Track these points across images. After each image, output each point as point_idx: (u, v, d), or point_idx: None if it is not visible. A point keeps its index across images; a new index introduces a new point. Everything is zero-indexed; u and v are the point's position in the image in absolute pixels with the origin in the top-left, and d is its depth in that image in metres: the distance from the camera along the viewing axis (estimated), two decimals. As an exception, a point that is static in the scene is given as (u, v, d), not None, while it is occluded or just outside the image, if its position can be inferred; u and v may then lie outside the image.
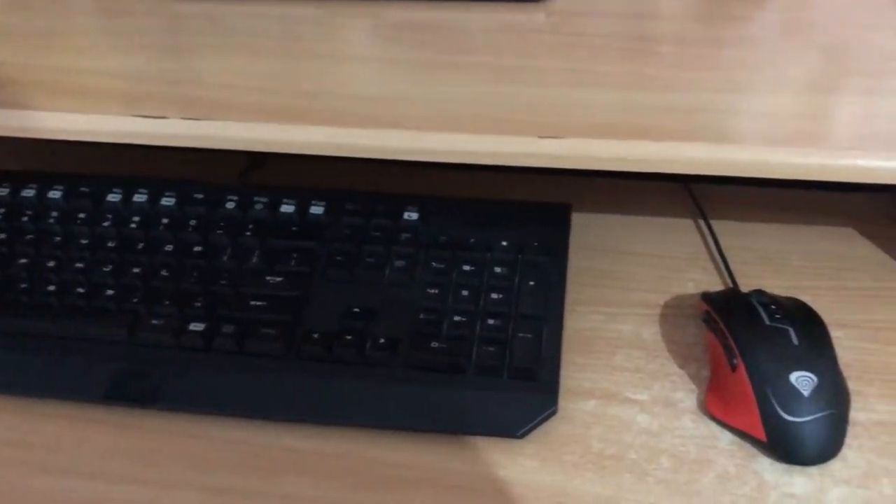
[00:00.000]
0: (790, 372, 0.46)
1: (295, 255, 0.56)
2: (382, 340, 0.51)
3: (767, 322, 0.49)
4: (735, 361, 0.48)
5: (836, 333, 0.52)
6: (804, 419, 0.45)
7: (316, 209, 0.59)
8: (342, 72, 0.56)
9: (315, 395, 0.49)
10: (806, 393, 0.46)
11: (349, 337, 0.51)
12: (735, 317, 0.50)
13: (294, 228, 0.58)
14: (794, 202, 0.65)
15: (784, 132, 0.49)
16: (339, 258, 0.55)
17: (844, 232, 0.62)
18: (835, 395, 0.47)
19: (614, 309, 0.56)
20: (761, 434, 0.46)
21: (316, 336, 0.51)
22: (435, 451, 0.48)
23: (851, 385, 0.50)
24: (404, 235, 0.57)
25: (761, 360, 0.47)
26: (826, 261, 0.59)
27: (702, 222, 0.63)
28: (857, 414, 0.48)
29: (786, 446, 0.46)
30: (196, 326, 0.52)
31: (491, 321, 0.52)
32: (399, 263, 0.55)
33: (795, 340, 0.48)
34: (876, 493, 0.44)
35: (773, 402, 0.46)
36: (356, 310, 0.53)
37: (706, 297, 0.54)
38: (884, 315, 0.55)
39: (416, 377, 0.50)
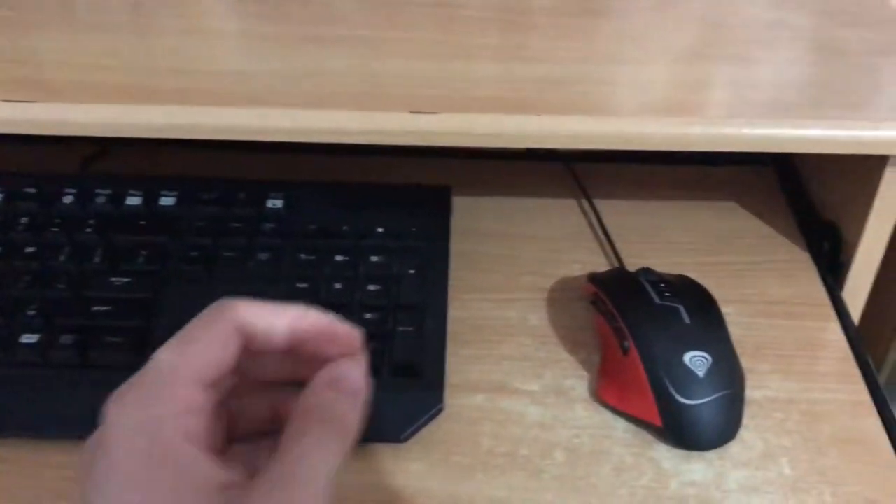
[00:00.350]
0: (684, 352, 0.44)
1: (143, 253, 0.50)
2: (247, 343, 0.45)
3: (657, 301, 0.46)
4: (626, 344, 0.45)
5: (725, 310, 0.51)
6: (701, 402, 0.43)
7: (166, 200, 0.53)
8: (197, 47, 0.51)
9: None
10: (701, 374, 0.43)
11: (209, 341, 0.45)
12: (624, 297, 0.48)
13: (142, 222, 0.51)
14: (676, 178, 0.63)
15: (665, 102, 0.47)
16: (194, 254, 0.50)
17: (726, 206, 0.61)
18: (730, 375, 0.45)
19: (499, 295, 0.53)
20: (656, 419, 0.44)
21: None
22: (310, 462, 0.43)
23: (744, 362, 0.48)
24: (268, 225, 0.51)
25: (653, 341, 0.45)
26: (710, 236, 0.58)
27: (585, 202, 0.60)
28: (752, 392, 0.46)
29: (682, 431, 0.43)
30: (28, 338, 0.45)
31: (368, 315, 0.47)
32: (263, 257, 0.50)
33: (687, 319, 0.45)
34: (775, 473, 0.43)
35: (668, 385, 0.43)
36: (216, 310, 0.47)
37: (593, 278, 0.52)
38: (771, 289, 0.54)
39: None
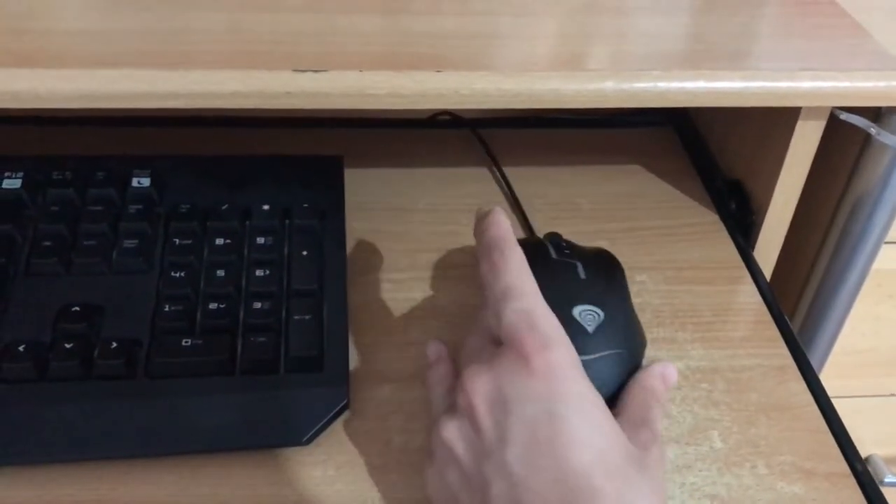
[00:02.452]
0: (573, 306, 0.41)
1: (-17, 245, 0.42)
2: (114, 345, 0.39)
3: (554, 256, 0.43)
4: None
5: (639, 277, 0.49)
6: (588, 357, 0.39)
7: (10, 182, 0.45)
8: (39, 3, 0.43)
9: (28, 428, 0.37)
10: (590, 329, 0.40)
11: (69, 345, 0.39)
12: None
13: (-21, 210, 0.44)
14: (578, 142, 0.60)
15: (572, 57, 0.44)
16: (46, 243, 0.43)
17: (632, 170, 0.58)
18: (624, 334, 0.41)
19: (403, 274, 0.48)
20: None
21: (22, 349, 0.38)
22: (199, 479, 0.37)
23: (663, 332, 0.46)
24: (134, 208, 0.45)
25: (548, 290, 0.41)
26: (617, 201, 0.55)
27: (492, 169, 0.56)
28: (675, 363, 0.44)
29: None
30: None
31: (258, 305, 0.42)
32: (130, 244, 0.43)
33: (582, 275, 0.42)
34: (707, 448, 0.40)
35: None
36: (75, 309, 0.40)
37: None
38: (683, 254, 0.51)
39: (164, 388, 0.39)
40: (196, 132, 0.54)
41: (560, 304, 0.40)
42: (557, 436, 0.31)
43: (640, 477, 0.31)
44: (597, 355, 0.40)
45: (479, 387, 0.33)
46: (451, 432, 0.33)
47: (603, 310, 0.41)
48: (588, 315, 0.41)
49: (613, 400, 0.40)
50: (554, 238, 0.45)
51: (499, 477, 0.31)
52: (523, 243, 0.47)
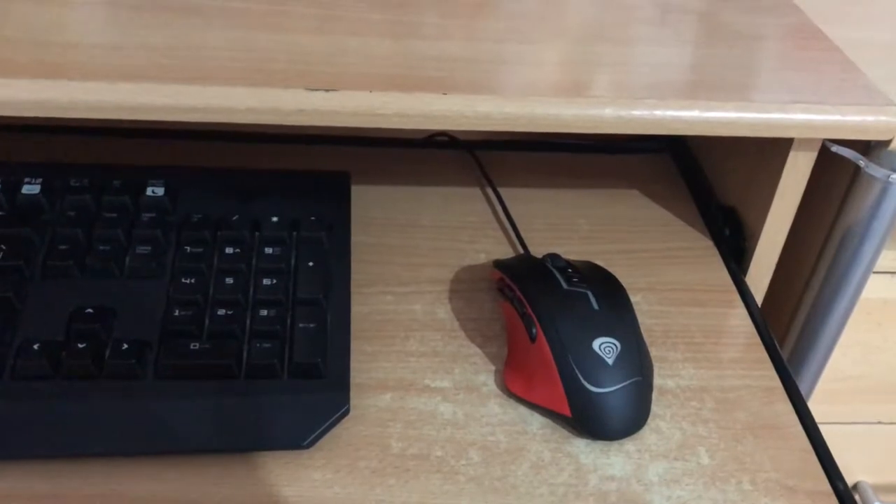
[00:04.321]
0: (593, 339, 0.42)
1: (4, 247, 0.44)
2: (125, 346, 0.41)
3: (565, 286, 0.45)
4: (534, 331, 0.43)
5: (633, 298, 0.50)
6: (610, 389, 0.41)
7: (30, 188, 0.47)
8: (55, 15, 0.45)
9: (40, 423, 0.38)
10: (610, 361, 0.42)
11: (81, 345, 0.40)
12: (531, 283, 0.46)
13: (1, 213, 0.46)
14: (577, 167, 0.62)
15: (573, 83, 0.46)
16: (63, 247, 0.44)
17: (629, 194, 0.60)
18: (639, 362, 0.43)
19: (404, 288, 0.50)
20: (565, 409, 0.42)
21: (37, 347, 0.40)
22: (202, 477, 0.39)
23: (655, 351, 0.47)
24: (147, 216, 0.47)
25: (561, 327, 0.43)
26: (614, 224, 0.57)
27: (489, 190, 0.58)
28: (665, 381, 0.45)
29: (592, 420, 0.42)
30: None
31: (264, 312, 0.43)
32: (143, 250, 0.45)
33: (595, 305, 0.44)
34: (694, 463, 0.41)
35: (577, 372, 0.41)
36: (89, 311, 0.42)
37: (499, 264, 0.49)
38: (675, 276, 0.53)
39: (171, 388, 0.40)
40: (210, 146, 0.56)
41: (581, 338, 0.42)
42: None
43: None
44: (618, 386, 0.41)
45: None
46: None
47: (619, 340, 0.42)
48: (607, 347, 0.42)
49: (633, 425, 0.42)
50: (555, 260, 0.47)
51: None
52: (525, 263, 0.49)
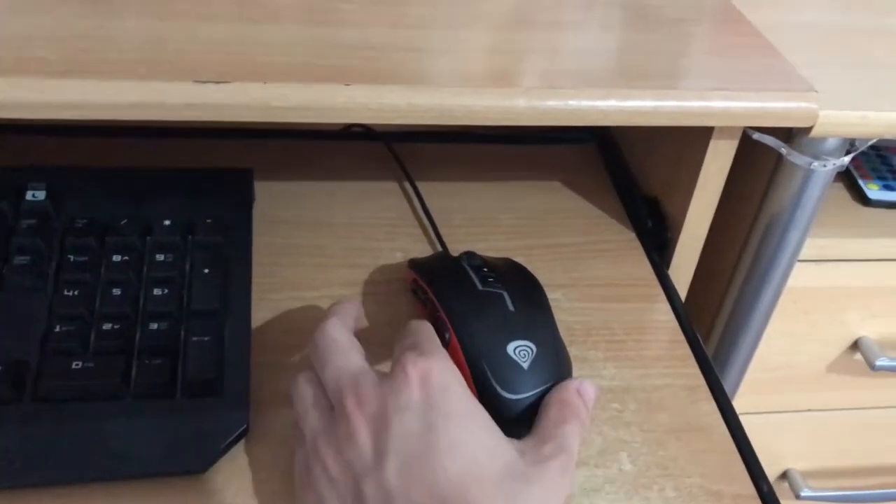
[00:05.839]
0: (507, 342, 0.40)
1: None
2: (0, 367, 0.37)
3: (480, 287, 0.42)
4: (447, 335, 0.41)
5: (553, 295, 0.48)
6: (524, 395, 0.39)
7: None
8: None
9: None
10: (525, 365, 0.39)
11: (-52, 368, 0.37)
12: (445, 284, 0.43)
13: None
14: (498, 158, 0.60)
15: (486, 73, 0.43)
16: (-73, 260, 0.40)
17: (552, 186, 0.58)
18: (555, 365, 0.40)
19: (312, 292, 0.47)
20: None
21: None
22: (85, 508, 0.36)
23: (575, 350, 0.45)
24: (27, 222, 0.43)
25: (475, 331, 0.40)
26: (536, 217, 0.55)
27: (406, 184, 0.55)
28: (586, 383, 0.43)
29: (507, 427, 0.37)
30: None
31: (154, 325, 0.40)
32: (21, 260, 0.41)
33: (511, 306, 0.41)
34: (616, 470, 0.40)
35: (491, 378, 0.39)
36: (-43, 329, 0.38)
37: (413, 263, 0.47)
38: (598, 272, 0.51)
39: (51, 412, 0.37)
40: (97, 142, 0.52)
41: (495, 342, 0.40)
42: (433, 447, 0.31)
43: (523, 490, 0.31)
44: (533, 392, 0.39)
45: (364, 409, 0.33)
46: (328, 460, 0.33)
47: (534, 342, 0.40)
48: (522, 350, 0.39)
49: None
50: (471, 258, 0.45)
51: (376, 492, 0.31)
52: (440, 262, 0.47)
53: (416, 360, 0.33)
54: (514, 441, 0.34)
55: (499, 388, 0.39)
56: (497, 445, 0.33)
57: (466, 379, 0.39)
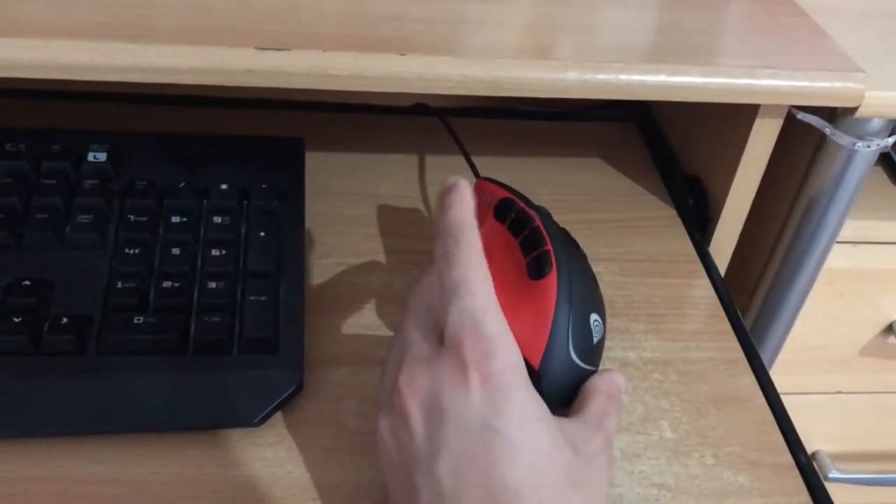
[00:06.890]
0: (591, 311, 0.37)
1: (-71, 216, 0.41)
2: (65, 321, 0.38)
3: (579, 247, 0.40)
4: (547, 270, 0.36)
5: (596, 269, 0.48)
6: (587, 368, 0.36)
7: (-42, 153, 0.44)
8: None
9: (-30, 402, 0.36)
10: (595, 340, 0.37)
11: (17, 319, 0.38)
12: (548, 220, 0.40)
13: (-74, 179, 0.43)
14: (541, 134, 0.61)
15: (536, 46, 0.44)
16: (-3, 216, 0.42)
17: (592, 163, 0.59)
18: (601, 354, 0.39)
19: (360, 259, 0.48)
20: (536, 361, 0.35)
21: (-32, 323, 0.38)
22: (148, 457, 0.37)
23: (618, 322, 0.46)
24: (89, 183, 0.44)
25: (575, 281, 0.37)
26: (576, 193, 0.56)
27: (450, 158, 0.56)
28: (627, 353, 0.45)
29: (553, 388, 0.35)
30: None
31: (213, 284, 0.41)
32: (83, 219, 0.43)
33: (593, 276, 0.40)
34: (657, 437, 0.41)
35: (569, 334, 0.36)
36: (26, 283, 0.40)
37: (497, 182, 0.43)
38: (640, 247, 0.52)
39: (114, 365, 0.38)
40: (156, 110, 0.54)
41: (584, 305, 0.37)
42: (490, 450, 0.30)
43: (574, 494, 0.30)
44: (589, 369, 0.37)
45: (416, 391, 0.32)
46: (385, 431, 0.32)
47: (604, 323, 0.38)
48: (597, 325, 0.38)
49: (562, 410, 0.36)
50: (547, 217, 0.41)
51: (428, 487, 0.30)
52: (545, 223, 0.40)
53: (480, 356, 0.31)
54: (566, 429, 0.32)
55: (571, 348, 0.36)
56: (554, 446, 0.31)
57: (544, 320, 0.36)
